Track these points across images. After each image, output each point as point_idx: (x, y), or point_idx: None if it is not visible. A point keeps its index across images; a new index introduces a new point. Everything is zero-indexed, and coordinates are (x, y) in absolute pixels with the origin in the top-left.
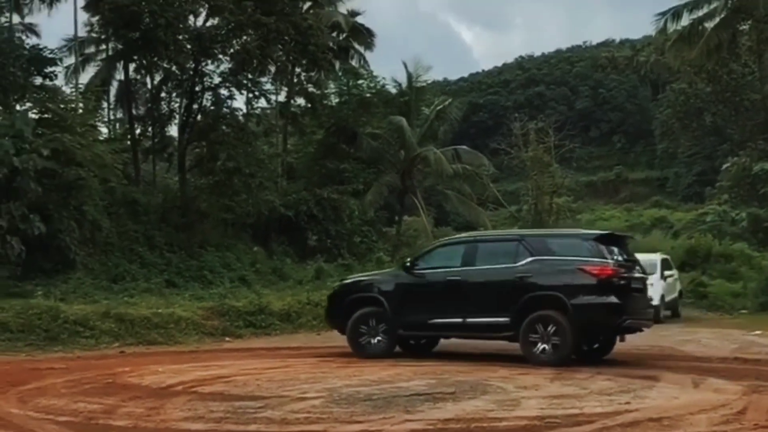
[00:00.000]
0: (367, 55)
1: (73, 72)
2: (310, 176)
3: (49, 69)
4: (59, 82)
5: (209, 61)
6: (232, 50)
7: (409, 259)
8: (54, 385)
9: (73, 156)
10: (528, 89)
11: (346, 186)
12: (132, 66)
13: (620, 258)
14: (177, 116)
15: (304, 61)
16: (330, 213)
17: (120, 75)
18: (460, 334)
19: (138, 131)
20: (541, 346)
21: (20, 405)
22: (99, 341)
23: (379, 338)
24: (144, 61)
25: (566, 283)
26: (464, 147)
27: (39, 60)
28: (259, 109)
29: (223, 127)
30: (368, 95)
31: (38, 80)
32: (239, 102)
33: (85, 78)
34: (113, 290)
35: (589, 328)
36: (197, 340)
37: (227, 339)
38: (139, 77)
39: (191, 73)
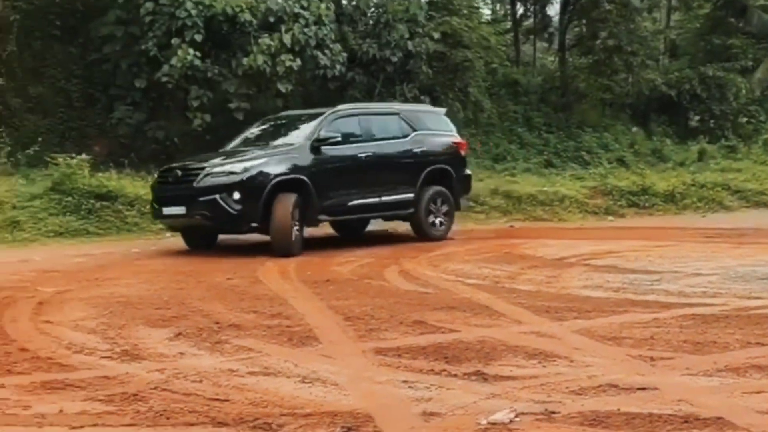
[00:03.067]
0: None
1: None
2: (694, 53)
3: None
4: None
5: None
6: None
7: (318, 136)
8: (457, 252)
9: (461, 38)
10: None
11: (733, 63)
12: None
13: None
14: None
15: None
16: (714, 92)
17: None
18: (374, 214)
19: (519, 12)
20: (437, 221)
21: (432, 268)
22: (489, 216)
23: (296, 231)
24: None
25: (451, 157)
26: None
27: None
28: None
29: (606, 4)
30: None
31: None
32: None
33: None
34: (495, 169)
35: (460, 201)
36: (581, 218)
37: (610, 218)
38: None
39: None
